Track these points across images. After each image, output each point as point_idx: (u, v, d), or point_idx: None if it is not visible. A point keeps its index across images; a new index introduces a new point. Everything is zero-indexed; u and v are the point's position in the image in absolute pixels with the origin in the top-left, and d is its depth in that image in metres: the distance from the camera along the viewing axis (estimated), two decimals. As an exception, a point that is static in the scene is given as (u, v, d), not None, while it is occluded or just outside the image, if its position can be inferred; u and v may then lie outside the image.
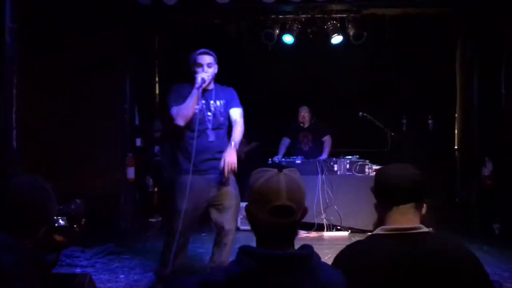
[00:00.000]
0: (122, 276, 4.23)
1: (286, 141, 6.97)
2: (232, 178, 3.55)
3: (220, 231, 3.54)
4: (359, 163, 6.18)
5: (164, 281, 3.56)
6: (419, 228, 1.68)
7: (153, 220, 7.08)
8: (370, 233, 1.80)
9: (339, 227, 6.02)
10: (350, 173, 6.17)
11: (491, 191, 6.19)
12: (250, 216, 1.45)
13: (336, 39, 7.27)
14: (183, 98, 3.47)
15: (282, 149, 6.89)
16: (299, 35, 7.31)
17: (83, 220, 2.33)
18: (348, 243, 1.78)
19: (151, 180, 7.30)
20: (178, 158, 3.56)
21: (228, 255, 3.49)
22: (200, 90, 3.44)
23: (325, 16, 7.03)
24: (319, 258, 1.42)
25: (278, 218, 1.38)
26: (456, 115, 7.34)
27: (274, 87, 8.48)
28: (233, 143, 3.44)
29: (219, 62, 3.60)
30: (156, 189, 7.40)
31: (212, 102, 3.55)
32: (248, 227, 1.57)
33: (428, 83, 7.94)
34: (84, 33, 6.16)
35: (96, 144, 6.24)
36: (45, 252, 2.14)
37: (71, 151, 6.18)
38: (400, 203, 1.70)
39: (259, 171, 1.45)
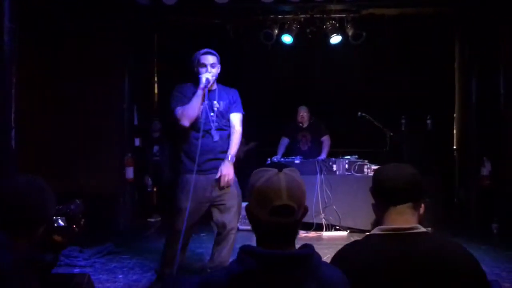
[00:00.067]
0: (121, 276, 4.23)
1: (285, 141, 6.95)
2: (234, 178, 3.55)
3: (221, 230, 3.54)
4: (358, 163, 6.18)
5: (164, 281, 3.56)
6: (416, 228, 1.67)
7: (152, 220, 7.09)
8: (367, 233, 1.80)
9: (338, 227, 6.03)
10: (349, 173, 6.17)
11: (489, 191, 6.19)
12: (251, 216, 1.44)
13: (335, 39, 7.28)
14: (187, 99, 3.47)
15: (281, 149, 6.87)
16: (298, 35, 7.31)
17: (83, 220, 2.32)
18: (346, 243, 1.77)
19: (150, 180, 7.31)
20: (182, 157, 3.56)
21: (228, 255, 3.50)
22: (206, 90, 3.44)
23: (324, 16, 7.02)
24: (320, 257, 1.42)
25: (279, 218, 1.37)
26: (455, 115, 7.35)
27: (273, 87, 8.48)
28: (229, 157, 3.47)
29: (218, 62, 3.60)
30: (155, 189, 7.41)
31: (215, 102, 3.55)
32: (248, 227, 1.56)
33: (427, 83, 7.95)
34: (83, 33, 6.17)
35: (95, 144, 6.25)
36: (44, 252, 2.14)
37: (70, 151, 6.19)
38: (397, 203, 1.69)
39: (259, 171, 1.45)
